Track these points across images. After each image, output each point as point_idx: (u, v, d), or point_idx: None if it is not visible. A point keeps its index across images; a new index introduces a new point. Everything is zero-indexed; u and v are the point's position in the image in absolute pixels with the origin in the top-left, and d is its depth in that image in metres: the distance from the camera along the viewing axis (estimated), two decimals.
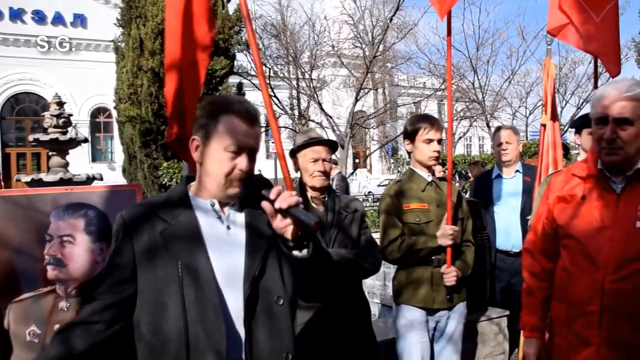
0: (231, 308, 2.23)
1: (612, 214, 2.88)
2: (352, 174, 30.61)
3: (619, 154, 2.85)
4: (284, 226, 2.13)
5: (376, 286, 11.86)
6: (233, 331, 2.21)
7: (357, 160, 38.85)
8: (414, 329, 4.21)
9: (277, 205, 2.10)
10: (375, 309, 7.74)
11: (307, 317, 3.63)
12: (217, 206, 2.33)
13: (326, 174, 3.83)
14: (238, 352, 2.21)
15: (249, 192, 2.22)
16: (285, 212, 2.10)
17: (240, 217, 2.36)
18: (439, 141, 4.28)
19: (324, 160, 3.83)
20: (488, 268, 5.42)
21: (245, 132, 2.29)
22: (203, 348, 2.16)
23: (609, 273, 2.82)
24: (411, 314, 4.22)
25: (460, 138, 43.05)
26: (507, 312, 5.43)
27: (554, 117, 5.25)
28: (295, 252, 2.20)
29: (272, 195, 2.12)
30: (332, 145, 3.95)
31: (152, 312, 2.23)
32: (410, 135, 4.31)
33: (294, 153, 3.95)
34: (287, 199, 2.10)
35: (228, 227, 2.33)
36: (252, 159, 2.32)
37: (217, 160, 2.28)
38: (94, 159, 40.33)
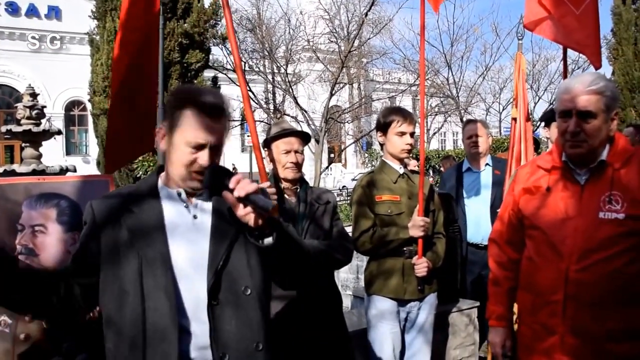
0: (196, 297, 2.25)
1: (576, 205, 2.94)
2: (326, 168, 30.67)
3: (583, 147, 2.90)
4: (245, 214, 2.13)
5: (349, 279, 11.92)
6: (196, 320, 2.24)
7: (332, 155, 38.91)
8: (385, 319, 4.26)
9: (235, 193, 2.10)
10: (348, 301, 7.79)
11: (279, 307, 3.66)
12: (183, 195, 2.35)
13: (298, 165, 3.86)
14: (201, 342, 2.24)
15: (215, 182, 2.20)
16: (244, 200, 2.10)
17: (207, 206, 2.37)
18: (412, 134, 4.32)
19: (296, 151, 3.86)
20: (459, 260, 5.47)
21: (207, 127, 2.27)
22: (159, 337, 2.18)
23: (572, 263, 2.87)
24: (382, 304, 4.27)
25: (434, 133, 43.27)
26: (478, 304, 5.49)
27: (525, 111, 5.32)
28: (261, 241, 2.21)
29: (231, 184, 2.11)
30: (304, 137, 3.98)
31: (115, 299, 2.26)
32: (383, 127, 4.35)
33: (266, 144, 3.97)
34: (245, 186, 2.09)
35: (195, 217, 2.35)
36: (215, 153, 2.31)
37: (179, 152, 2.28)
38: (68, 153, 39.93)
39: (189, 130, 2.26)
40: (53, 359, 3.39)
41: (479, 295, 5.60)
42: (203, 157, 2.26)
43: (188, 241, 2.31)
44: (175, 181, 2.35)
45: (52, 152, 23.82)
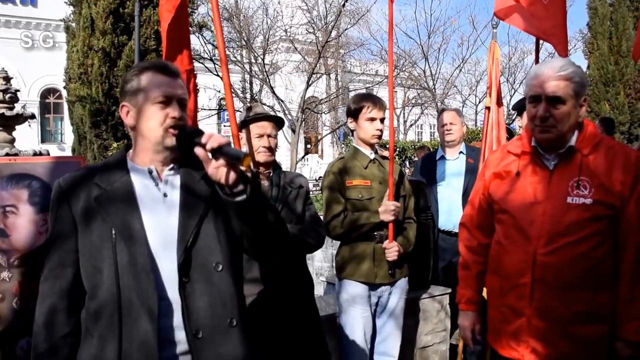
0: (166, 274, 2.24)
1: (544, 189, 2.97)
2: (302, 157, 30.66)
3: (552, 132, 2.94)
4: (217, 167, 2.11)
5: (324, 268, 11.91)
6: (166, 297, 2.23)
7: (308, 146, 38.86)
8: (357, 303, 4.29)
9: (208, 146, 2.10)
10: (321, 288, 7.81)
11: (250, 291, 3.66)
12: (155, 173, 2.34)
13: (270, 149, 3.85)
14: (174, 319, 2.23)
15: (185, 144, 2.23)
16: (217, 153, 2.10)
17: (177, 182, 2.37)
18: (382, 120, 4.36)
19: (269, 136, 3.85)
20: (431, 247, 5.50)
21: (168, 83, 2.33)
22: (135, 314, 2.17)
23: (540, 246, 2.91)
24: (354, 289, 4.29)
25: (411, 125, 43.35)
26: (449, 290, 5.52)
27: (498, 99, 5.35)
28: (234, 197, 2.18)
29: (203, 140, 2.12)
30: (277, 122, 3.98)
31: (89, 278, 2.25)
32: (353, 113, 4.39)
33: (241, 126, 3.96)
34: (218, 139, 2.11)
35: (165, 195, 2.34)
36: (183, 109, 2.34)
37: (149, 115, 2.30)
38: (43, 140, 39.34)
39: (153, 89, 2.31)
40: (23, 339, 3.38)
41: (450, 282, 5.64)
42: (173, 111, 2.30)
43: (158, 219, 2.29)
44: (148, 154, 2.35)
45: (27, 140, 23.58)
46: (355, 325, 4.30)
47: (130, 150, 2.44)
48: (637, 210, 2.89)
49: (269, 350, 3.59)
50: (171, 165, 2.38)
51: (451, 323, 5.64)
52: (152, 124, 2.30)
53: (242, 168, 2.12)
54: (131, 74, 2.38)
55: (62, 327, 2.28)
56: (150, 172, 2.34)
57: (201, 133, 2.18)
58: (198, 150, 2.14)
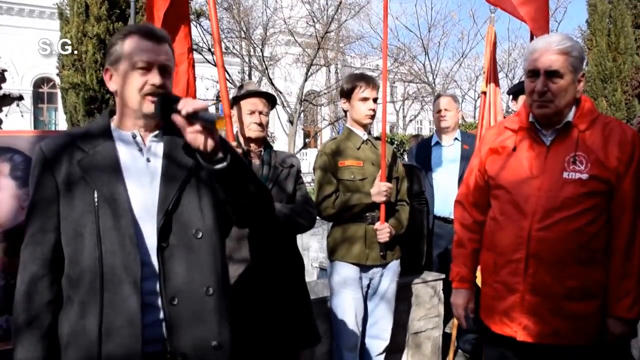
0: (147, 240, 2.21)
1: (540, 165, 2.95)
2: (300, 150, 30.64)
3: (550, 107, 2.91)
4: (194, 133, 2.07)
5: (320, 258, 11.84)
6: (149, 263, 2.20)
7: (307, 140, 38.84)
8: (348, 285, 4.24)
9: (183, 111, 2.05)
10: (315, 276, 7.76)
11: (239, 271, 3.61)
12: (138, 138, 2.31)
13: (262, 125, 3.81)
14: (154, 284, 2.20)
15: (165, 112, 2.16)
16: (193, 118, 2.06)
17: (160, 150, 2.33)
18: (375, 100, 4.33)
19: (260, 112, 3.81)
20: (425, 232, 5.44)
21: (151, 49, 2.28)
22: (118, 279, 2.14)
23: (535, 222, 2.89)
24: (345, 271, 4.25)
25: (411, 121, 43.42)
26: (443, 276, 5.47)
27: (495, 81, 5.31)
28: (213, 164, 2.15)
29: (179, 106, 2.07)
30: (269, 98, 3.93)
31: (69, 243, 2.21)
32: (346, 94, 4.35)
33: (233, 103, 3.92)
34: (194, 103, 2.06)
35: (148, 160, 2.30)
36: (165, 76, 2.29)
37: (129, 81, 2.26)
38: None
39: (135, 54, 2.26)
40: (3, 317, 3.31)
41: (445, 269, 5.57)
42: (153, 78, 2.25)
43: (140, 184, 2.26)
44: (130, 119, 2.32)
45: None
46: (347, 307, 4.26)
47: (115, 116, 2.40)
48: (632, 188, 2.88)
49: (257, 331, 3.54)
50: (155, 132, 2.34)
51: (445, 312, 5.58)
52: (132, 90, 2.26)
53: (221, 132, 2.07)
54: (116, 38, 2.34)
55: (44, 295, 2.23)
56: (134, 137, 2.31)
57: (179, 99, 2.13)
58: (175, 117, 2.10)
